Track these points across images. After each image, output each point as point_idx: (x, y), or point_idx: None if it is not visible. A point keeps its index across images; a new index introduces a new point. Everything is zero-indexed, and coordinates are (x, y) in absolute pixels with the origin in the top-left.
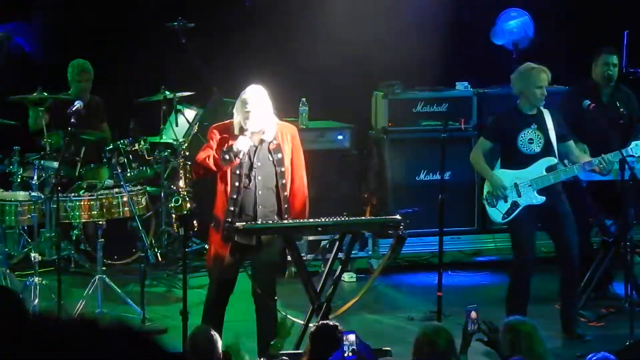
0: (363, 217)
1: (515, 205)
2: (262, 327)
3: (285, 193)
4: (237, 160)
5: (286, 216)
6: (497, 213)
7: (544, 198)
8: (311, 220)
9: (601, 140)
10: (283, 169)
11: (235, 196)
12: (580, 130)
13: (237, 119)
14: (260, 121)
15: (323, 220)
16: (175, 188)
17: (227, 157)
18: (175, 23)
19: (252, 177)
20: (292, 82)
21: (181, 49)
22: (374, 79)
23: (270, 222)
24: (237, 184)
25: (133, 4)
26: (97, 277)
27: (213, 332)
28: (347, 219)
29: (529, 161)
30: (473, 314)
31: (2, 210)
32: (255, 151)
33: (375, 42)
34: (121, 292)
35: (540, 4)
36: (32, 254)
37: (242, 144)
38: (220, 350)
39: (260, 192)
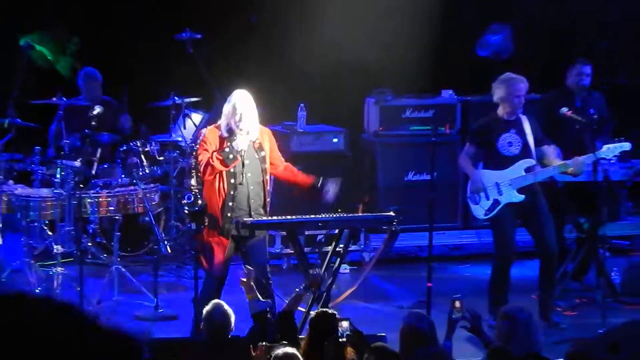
0: (360, 214)
1: (496, 203)
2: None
3: (268, 187)
4: (239, 158)
5: (267, 209)
6: (480, 210)
7: (523, 196)
8: (313, 216)
9: (575, 143)
10: (266, 166)
11: (232, 192)
12: (556, 133)
13: (225, 121)
14: (250, 121)
15: (324, 216)
16: (186, 186)
17: (231, 156)
18: (183, 34)
19: (243, 174)
20: (291, 89)
21: (189, 58)
22: (367, 86)
23: (259, 215)
24: (232, 181)
25: (145, 17)
26: (113, 267)
27: (227, 307)
28: (346, 215)
29: (509, 162)
30: (457, 304)
31: (27, 205)
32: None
33: (368, 52)
34: (136, 281)
35: (520, 19)
36: (55, 246)
37: (242, 143)
38: (233, 324)
39: (251, 187)
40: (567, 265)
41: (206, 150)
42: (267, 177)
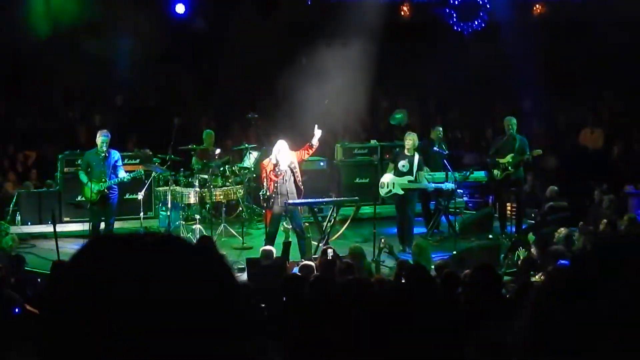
0: (341, 198)
1: (390, 191)
2: (300, 246)
3: (298, 178)
4: (283, 173)
5: (299, 192)
6: (382, 192)
7: (403, 192)
8: (319, 199)
9: (438, 166)
10: (296, 169)
11: (277, 186)
12: (430, 161)
13: (274, 153)
14: (285, 154)
15: (326, 199)
16: (253, 186)
17: (279, 172)
18: (249, 115)
19: (283, 177)
20: (302, 140)
21: (252, 126)
22: (336, 137)
23: (292, 195)
24: (278, 180)
25: (233, 106)
26: (222, 225)
27: (273, 249)
28: (334, 199)
29: (402, 175)
30: (382, 239)
31: (181, 195)
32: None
33: (337, 120)
34: (233, 231)
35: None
36: (195, 215)
37: (283, 165)
38: (275, 257)
39: (287, 183)
40: (434, 220)
41: (265, 170)
42: (297, 174)
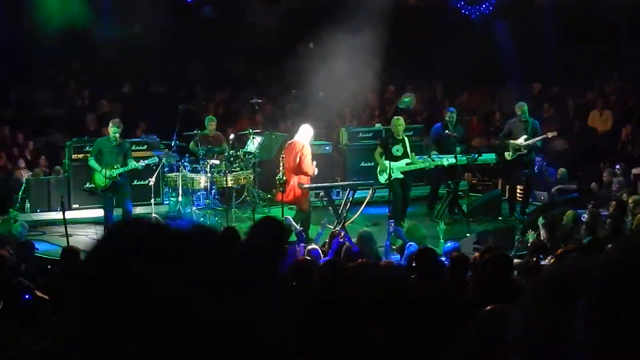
0: (357, 182)
1: (390, 176)
2: None
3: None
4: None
5: None
6: (382, 179)
7: (402, 175)
8: (335, 183)
9: (450, 148)
10: None
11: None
12: (440, 143)
13: (310, 139)
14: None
15: (340, 183)
16: (261, 172)
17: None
18: (253, 100)
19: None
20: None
21: (257, 111)
22: (342, 122)
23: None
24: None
25: (237, 93)
26: (232, 209)
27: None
28: (351, 182)
29: (397, 159)
30: (392, 224)
31: (192, 181)
32: None
33: (343, 106)
34: (243, 216)
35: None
36: (205, 201)
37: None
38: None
39: None
40: (443, 203)
41: (295, 155)
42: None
